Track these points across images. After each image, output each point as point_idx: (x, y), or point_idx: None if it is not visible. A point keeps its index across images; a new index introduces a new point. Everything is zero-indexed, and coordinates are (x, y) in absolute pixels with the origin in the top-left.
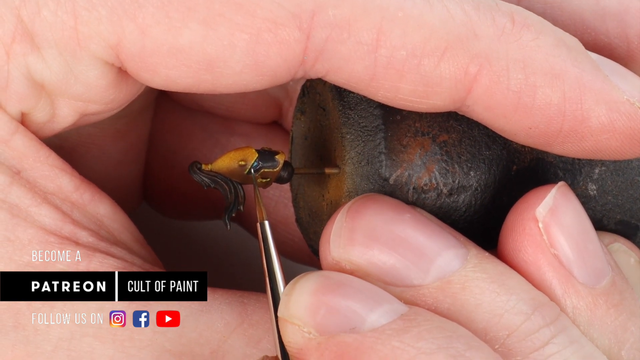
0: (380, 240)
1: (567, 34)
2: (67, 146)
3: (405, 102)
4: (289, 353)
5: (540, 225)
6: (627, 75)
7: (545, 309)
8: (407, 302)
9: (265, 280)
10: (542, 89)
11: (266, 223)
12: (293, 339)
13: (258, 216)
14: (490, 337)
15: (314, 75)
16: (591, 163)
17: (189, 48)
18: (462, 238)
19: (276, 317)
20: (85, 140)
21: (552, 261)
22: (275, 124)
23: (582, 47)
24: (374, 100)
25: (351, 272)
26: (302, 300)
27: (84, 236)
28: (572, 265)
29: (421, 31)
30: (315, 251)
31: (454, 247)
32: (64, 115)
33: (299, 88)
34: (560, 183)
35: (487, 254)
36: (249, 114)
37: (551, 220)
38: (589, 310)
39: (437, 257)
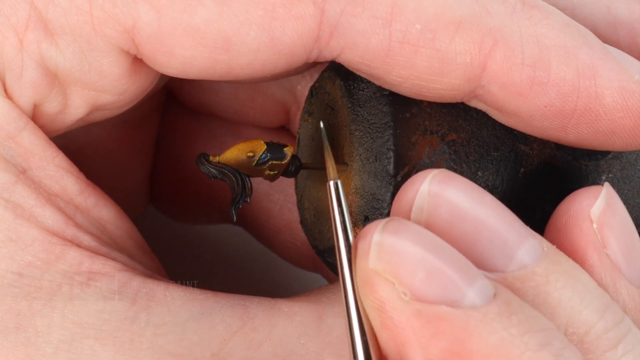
0: (465, 220)
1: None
2: (74, 148)
3: (420, 81)
4: (374, 310)
5: (595, 225)
6: (632, 59)
7: (612, 308)
8: None
9: (336, 241)
10: (556, 63)
11: (338, 182)
12: (386, 295)
13: (328, 176)
14: (570, 333)
15: (328, 54)
16: (598, 170)
17: (205, 26)
18: (533, 231)
19: (351, 276)
20: (93, 143)
21: (606, 261)
22: (283, 129)
23: (590, 32)
24: (383, 97)
25: None
26: (398, 253)
27: (86, 240)
28: (622, 265)
29: (435, 4)
30: (319, 252)
31: (532, 237)
32: (75, 106)
33: (306, 92)
34: (606, 184)
35: (556, 248)
36: (256, 118)
37: (604, 221)
38: (637, 311)
39: (520, 246)
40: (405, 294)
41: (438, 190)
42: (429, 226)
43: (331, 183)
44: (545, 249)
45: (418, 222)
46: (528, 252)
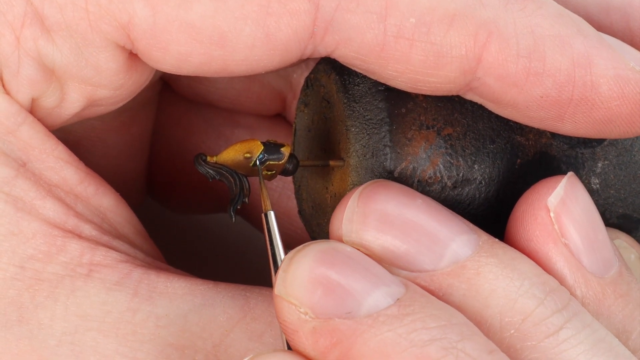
0: (393, 224)
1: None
2: (71, 140)
3: (416, 75)
4: (285, 332)
5: (552, 214)
6: (627, 47)
7: (556, 293)
8: (421, 287)
9: (271, 271)
10: (551, 53)
11: (271, 213)
12: (287, 317)
13: (263, 206)
14: (506, 322)
15: (323, 50)
16: (594, 157)
17: (200, 22)
18: (471, 225)
19: None
20: (89, 134)
21: (563, 250)
22: (279, 117)
23: (584, 21)
24: (379, 93)
25: None
26: (299, 275)
27: (87, 229)
28: (582, 255)
29: None
30: None
31: (466, 232)
32: (72, 101)
33: (302, 81)
34: (570, 173)
35: (496, 240)
36: (253, 106)
37: (562, 210)
38: (597, 300)
39: (451, 242)
40: (306, 313)
41: (365, 201)
42: (359, 236)
43: (263, 215)
44: (481, 243)
45: (349, 234)
46: (460, 247)
